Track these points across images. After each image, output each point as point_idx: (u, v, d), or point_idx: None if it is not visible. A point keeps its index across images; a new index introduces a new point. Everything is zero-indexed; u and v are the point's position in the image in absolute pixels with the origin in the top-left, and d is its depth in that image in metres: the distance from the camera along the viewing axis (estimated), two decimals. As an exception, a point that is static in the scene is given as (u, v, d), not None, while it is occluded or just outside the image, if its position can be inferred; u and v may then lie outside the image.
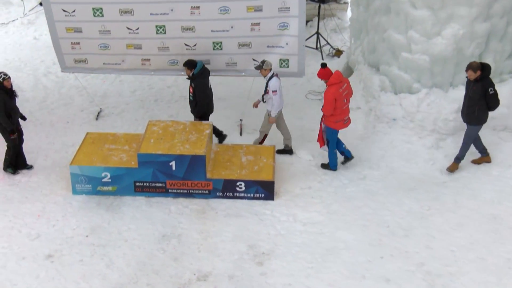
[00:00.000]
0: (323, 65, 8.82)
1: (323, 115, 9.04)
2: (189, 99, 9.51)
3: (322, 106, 8.93)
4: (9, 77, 8.62)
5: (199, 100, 9.36)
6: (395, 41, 9.76)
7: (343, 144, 9.29)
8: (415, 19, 9.32)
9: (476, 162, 9.18)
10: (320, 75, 8.83)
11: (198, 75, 9.24)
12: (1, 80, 8.54)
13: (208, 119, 9.54)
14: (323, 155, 9.65)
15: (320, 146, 9.32)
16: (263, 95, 9.37)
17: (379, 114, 9.99)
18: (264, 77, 9.19)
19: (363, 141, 9.90)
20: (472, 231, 7.85)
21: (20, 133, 9.07)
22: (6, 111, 8.62)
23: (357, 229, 7.96)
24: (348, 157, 9.31)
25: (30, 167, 9.28)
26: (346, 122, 9.04)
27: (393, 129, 9.79)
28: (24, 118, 9.17)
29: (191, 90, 9.39)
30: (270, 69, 9.14)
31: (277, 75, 9.18)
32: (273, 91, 9.12)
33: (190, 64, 9.23)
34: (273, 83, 9.11)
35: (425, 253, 7.51)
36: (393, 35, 9.79)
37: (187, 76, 9.37)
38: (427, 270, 7.25)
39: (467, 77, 8.56)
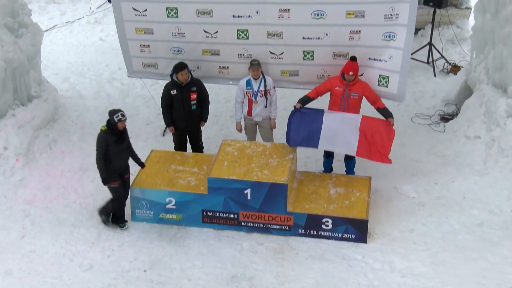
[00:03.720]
0: (355, 58, 9.17)
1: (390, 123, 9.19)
2: (191, 109, 9.67)
3: (378, 102, 9.30)
4: (125, 119, 8.48)
5: (208, 101, 9.81)
6: (530, 57, 9.47)
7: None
8: (557, 29, 8.99)
9: None
10: (355, 68, 9.11)
11: (193, 76, 9.66)
12: (116, 121, 8.41)
13: None
14: (430, 191, 9.44)
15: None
16: (266, 101, 9.63)
17: (504, 146, 9.68)
18: (256, 78, 9.56)
19: (482, 178, 9.61)
20: None
21: (125, 183, 8.82)
22: (108, 155, 8.51)
23: (471, 286, 7.68)
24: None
25: (123, 225, 8.91)
26: None
27: (522, 165, 9.45)
28: (142, 165, 8.96)
29: (195, 97, 9.61)
30: None
31: None
32: (274, 87, 9.69)
33: (184, 66, 9.48)
34: (271, 79, 9.68)
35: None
36: (526, 49, 9.50)
37: (182, 83, 9.52)
38: None
39: None
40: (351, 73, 9.09)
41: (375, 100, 9.29)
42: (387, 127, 9.11)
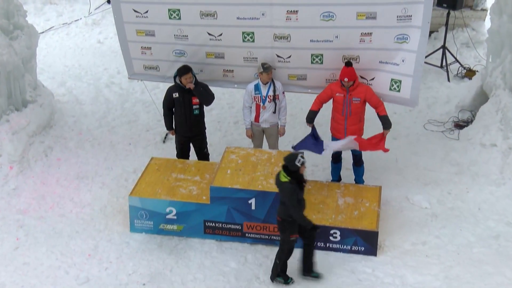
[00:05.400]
0: (350, 64, 9.22)
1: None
2: (193, 114, 9.70)
3: (379, 108, 9.32)
4: (305, 161, 7.84)
5: (212, 94, 9.81)
6: (548, 61, 9.47)
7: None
8: None
9: None
10: (351, 74, 9.14)
11: (198, 81, 9.70)
12: (299, 165, 7.68)
13: None
14: (443, 202, 9.44)
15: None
16: (274, 107, 9.70)
17: (521, 155, 9.69)
18: (266, 83, 9.61)
19: (498, 188, 9.61)
20: None
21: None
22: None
23: (486, 302, 7.69)
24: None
25: (316, 275, 8.21)
26: None
27: (540, 175, 9.46)
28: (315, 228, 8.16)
29: (197, 101, 9.66)
30: None
31: None
32: (283, 92, 9.75)
33: (188, 70, 9.54)
34: (280, 84, 9.73)
35: None
36: (545, 53, 9.50)
37: (185, 86, 9.54)
38: None
39: None
40: (346, 79, 9.14)
41: (376, 105, 9.32)
42: (378, 142, 9.37)
